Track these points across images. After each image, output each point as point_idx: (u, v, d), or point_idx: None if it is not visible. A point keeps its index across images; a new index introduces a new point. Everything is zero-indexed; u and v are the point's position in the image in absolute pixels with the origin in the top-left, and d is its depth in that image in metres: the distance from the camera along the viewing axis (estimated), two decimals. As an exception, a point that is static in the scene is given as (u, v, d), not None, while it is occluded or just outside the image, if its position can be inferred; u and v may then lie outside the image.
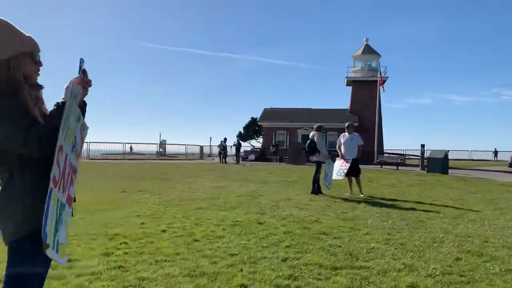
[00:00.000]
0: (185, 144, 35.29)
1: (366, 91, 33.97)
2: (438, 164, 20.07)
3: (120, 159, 29.88)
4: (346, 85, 37.08)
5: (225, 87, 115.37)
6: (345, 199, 8.76)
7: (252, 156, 33.14)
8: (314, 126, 9.90)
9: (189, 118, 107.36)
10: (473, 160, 43.72)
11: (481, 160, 43.69)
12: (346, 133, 9.83)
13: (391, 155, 31.63)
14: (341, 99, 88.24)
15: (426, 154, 24.36)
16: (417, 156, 28.49)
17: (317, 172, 9.58)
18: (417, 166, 26.02)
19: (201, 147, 37.25)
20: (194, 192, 9.17)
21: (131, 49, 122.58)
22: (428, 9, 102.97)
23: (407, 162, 30.96)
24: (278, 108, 38.34)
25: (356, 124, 32.80)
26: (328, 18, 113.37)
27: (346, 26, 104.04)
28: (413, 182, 14.01)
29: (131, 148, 37.71)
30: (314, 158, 9.78)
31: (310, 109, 37.65)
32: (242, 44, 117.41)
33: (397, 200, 8.99)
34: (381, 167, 24.74)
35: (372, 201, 8.57)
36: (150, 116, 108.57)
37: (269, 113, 37.57)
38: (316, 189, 9.55)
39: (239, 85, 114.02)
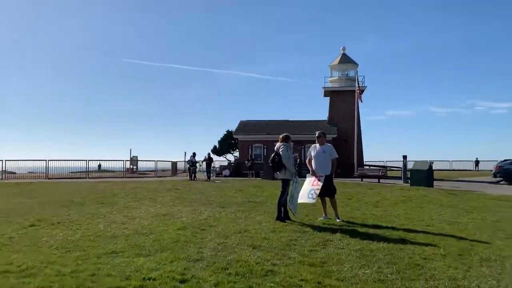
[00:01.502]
0: (154, 160, 32.99)
1: (344, 101, 32.73)
2: (423, 176, 18.65)
3: (84, 178, 27.44)
4: (324, 96, 35.70)
5: (203, 102, 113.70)
6: (317, 228, 6.93)
7: (226, 172, 31.10)
8: (280, 136, 8.07)
9: (164, 133, 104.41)
10: (454, 170, 42.91)
11: (463, 170, 42.88)
12: (317, 145, 8.03)
13: (371, 167, 30.17)
14: (321, 112, 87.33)
15: (409, 166, 22.99)
16: (399, 167, 27.14)
17: (283, 193, 7.73)
18: (399, 178, 24.65)
19: (173, 163, 34.96)
20: (125, 224, 7.15)
21: (112, 65, 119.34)
22: (406, 23, 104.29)
23: (389, 174, 29.59)
24: (255, 121, 36.47)
25: (335, 136, 31.76)
26: (307, 33, 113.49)
27: (325, 40, 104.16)
28: (398, 199, 12.34)
29: (99, 165, 35.25)
30: (280, 176, 7.94)
31: (288, 121, 36.00)
32: (221, 59, 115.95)
33: (381, 226, 7.21)
34: (362, 180, 23.17)
35: (350, 230, 6.76)
36: (124, 132, 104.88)
37: (245, 126, 35.64)
38: (282, 215, 7.69)
39: (217, 99, 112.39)
